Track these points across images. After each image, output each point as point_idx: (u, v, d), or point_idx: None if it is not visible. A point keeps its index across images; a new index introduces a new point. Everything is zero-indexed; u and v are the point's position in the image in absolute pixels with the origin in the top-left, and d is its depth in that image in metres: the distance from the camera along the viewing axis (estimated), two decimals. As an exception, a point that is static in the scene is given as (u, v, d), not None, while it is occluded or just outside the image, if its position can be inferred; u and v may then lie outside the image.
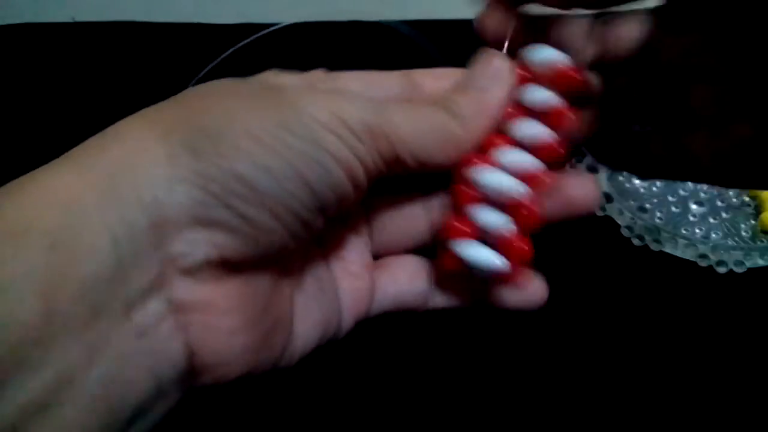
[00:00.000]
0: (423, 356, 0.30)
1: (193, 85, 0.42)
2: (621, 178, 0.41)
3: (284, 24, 0.47)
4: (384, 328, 0.31)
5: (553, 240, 0.37)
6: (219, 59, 0.43)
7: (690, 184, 0.41)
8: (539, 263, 0.35)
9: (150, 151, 0.16)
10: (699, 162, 0.19)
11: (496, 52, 0.20)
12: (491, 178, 0.19)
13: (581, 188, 0.21)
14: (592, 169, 0.40)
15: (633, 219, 0.36)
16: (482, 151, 0.19)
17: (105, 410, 0.14)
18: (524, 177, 0.19)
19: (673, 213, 0.38)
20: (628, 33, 0.20)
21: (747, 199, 0.39)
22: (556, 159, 0.19)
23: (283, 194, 0.16)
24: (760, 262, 0.33)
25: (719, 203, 0.39)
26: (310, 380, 0.28)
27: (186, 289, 0.16)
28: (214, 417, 0.27)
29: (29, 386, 0.13)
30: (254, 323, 0.17)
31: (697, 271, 0.34)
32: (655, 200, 0.39)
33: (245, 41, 0.44)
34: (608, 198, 0.37)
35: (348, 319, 0.21)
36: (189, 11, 0.55)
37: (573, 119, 0.20)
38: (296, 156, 0.16)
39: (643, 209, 0.38)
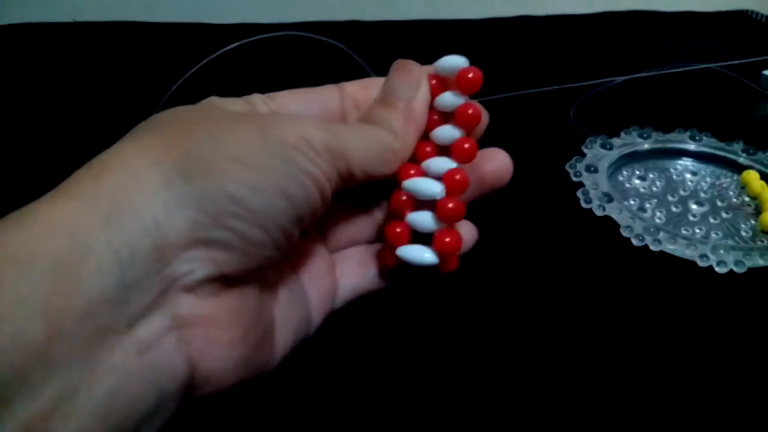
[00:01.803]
0: (422, 357, 0.30)
1: (179, 84, 0.42)
2: (621, 178, 0.41)
3: (277, 33, 0.47)
4: (380, 325, 0.31)
5: (554, 240, 0.37)
6: (205, 61, 0.43)
7: (690, 183, 0.41)
8: (540, 263, 0.36)
9: (145, 178, 0.17)
10: None
11: (411, 62, 0.23)
12: (417, 185, 0.22)
13: (492, 163, 0.24)
14: (592, 168, 0.40)
15: (633, 219, 0.36)
16: (414, 157, 0.23)
17: (108, 425, 0.15)
18: (443, 176, 0.22)
19: (673, 213, 0.38)
20: None
21: (747, 199, 0.39)
22: (468, 154, 0.22)
23: (270, 209, 0.18)
24: (760, 262, 0.33)
25: (719, 203, 0.39)
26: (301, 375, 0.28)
27: (188, 305, 0.17)
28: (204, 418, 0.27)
29: (33, 404, 0.14)
30: (249, 335, 0.19)
31: (697, 271, 0.34)
32: (655, 200, 0.39)
33: (231, 46, 0.44)
34: (608, 198, 0.37)
35: (317, 317, 0.23)
36: (189, 11, 0.55)
37: (477, 116, 0.22)
38: (276, 174, 0.18)
39: (643, 209, 0.38)
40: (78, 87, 0.47)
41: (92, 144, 0.44)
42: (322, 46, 0.48)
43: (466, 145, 0.22)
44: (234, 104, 0.21)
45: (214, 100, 0.21)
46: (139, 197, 0.16)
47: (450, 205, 0.22)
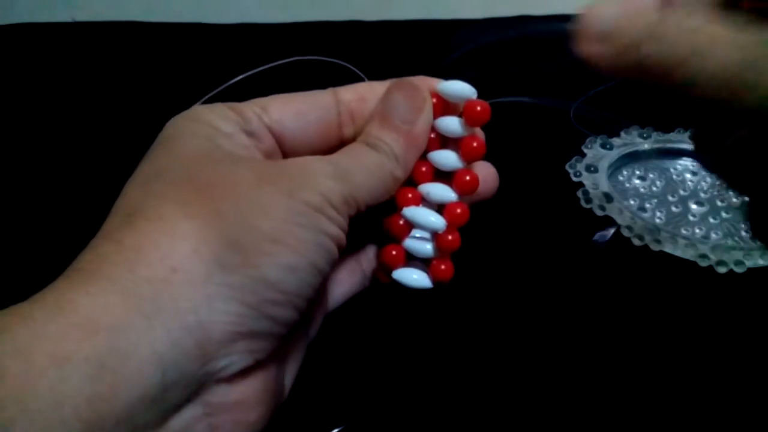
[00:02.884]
0: (412, 356, 0.30)
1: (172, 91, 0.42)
2: (621, 178, 0.41)
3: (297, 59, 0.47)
4: (375, 327, 0.31)
5: (554, 240, 0.37)
6: (248, 72, 0.43)
7: (690, 183, 0.41)
8: (540, 263, 0.36)
9: (185, 271, 0.16)
10: None
11: (415, 82, 0.22)
12: (419, 216, 0.22)
13: (480, 175, 0.24)
14: (592, 168, 0.40)
15: (633, 219, 0.36)
16: (409, 177, 0.23)
17: None
18: (444, 209, 0.23)
19: (673, 213, 0.38)
20: None
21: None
22: (471, 187, 0.23)
23: (303, 287, 0.18)
24: (760, 262, 0.33)
25: (719, 203, 0.39)
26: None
27: (221, 394, 0.17)
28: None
29: None
30: (270, 409, 0.19)
31: (697, 271, 0.34)
32: (655, 200, 0.39)
33: (252, 71, 0.44)
34: (608, 198, 0.37)
35: (313, 334, 0.23)
36: (189, 11, 0.55)
37: (482, 150, 0.22)
38: (307, 247, 0.18)
39: (643, 209, 0.38)
40: (77, 87, 0.47)
41: (92, 145, 0.44)
42: (321, 50, 0.48)
43: (468, 178, 0.22)
44: (223, 121, 0.20)
45: (201, 114, 0.20)
46: (182, 294, 0.16)
47: (450, 237, 0.22)
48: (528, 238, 0.37)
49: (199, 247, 0.17)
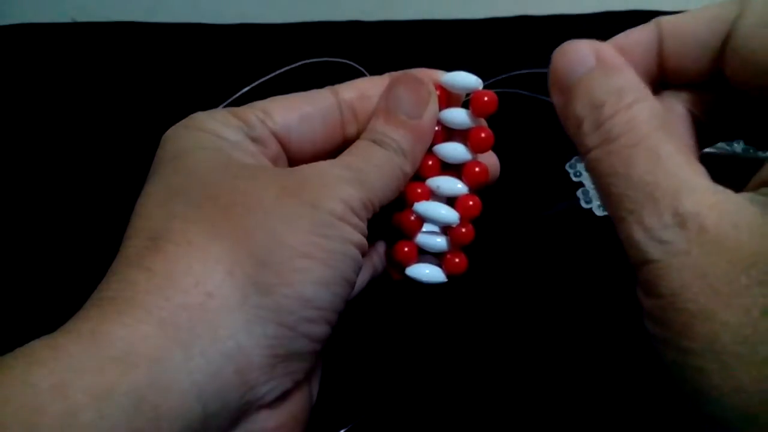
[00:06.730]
0: (421, 351, 0.30)
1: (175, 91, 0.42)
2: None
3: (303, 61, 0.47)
4: (375, 324, 0.31)
5: (554, 239, 0.37)
6: (263, 79, 0.43)
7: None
8: (540, 263, 0.36)
9: (220, 296, 0.16)
10: None
11: (419, 76, 0.22)
12: (433, 211, 0.22)
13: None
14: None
15: (633, 219, 0.36)
16: (417, 171, 0.22)
17: None
18: (456, 202, 0.22)
19: (674, 213, 0.38)
20: None
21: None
22: (481, 179, 0.22)
23: (336, 300, 0.18)
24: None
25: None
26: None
27: (261, 420, 0.17)
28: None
29: None
30: (306, 424, 0.19)
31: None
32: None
33: (268, 76, 0.44)
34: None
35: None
36: (189, 11, 0.55)
37: (491, 140, 0.22)
38: (336, 258, 0.18)
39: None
40: (78, 87, 0.47)
41: (92, 145, 0.44)
42: (322, 51, 0.48)
43: (478, 169, 0.22)
44: (227, 129, 0.20)
45: (203, 123, 0.20)
46: (219, 320, 0.16)
47: (464, 230, 0.22)
48: (528, 238, 0.37)
49: (233, 270, 0.16)
